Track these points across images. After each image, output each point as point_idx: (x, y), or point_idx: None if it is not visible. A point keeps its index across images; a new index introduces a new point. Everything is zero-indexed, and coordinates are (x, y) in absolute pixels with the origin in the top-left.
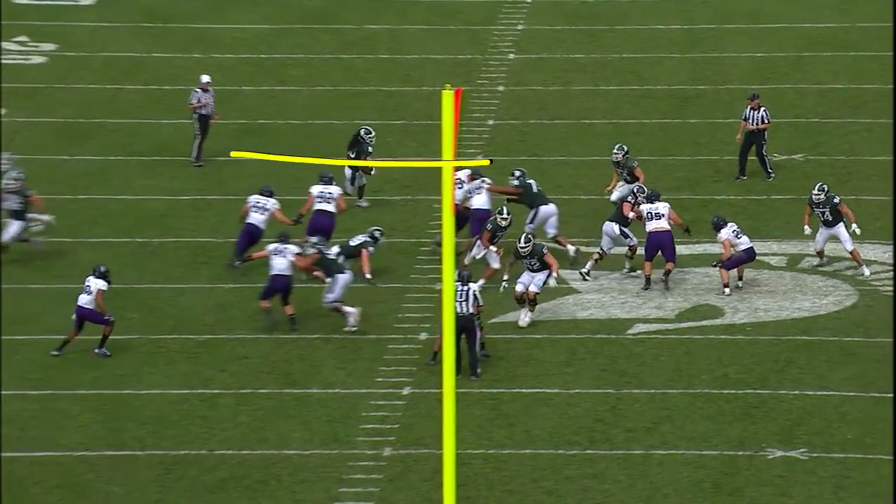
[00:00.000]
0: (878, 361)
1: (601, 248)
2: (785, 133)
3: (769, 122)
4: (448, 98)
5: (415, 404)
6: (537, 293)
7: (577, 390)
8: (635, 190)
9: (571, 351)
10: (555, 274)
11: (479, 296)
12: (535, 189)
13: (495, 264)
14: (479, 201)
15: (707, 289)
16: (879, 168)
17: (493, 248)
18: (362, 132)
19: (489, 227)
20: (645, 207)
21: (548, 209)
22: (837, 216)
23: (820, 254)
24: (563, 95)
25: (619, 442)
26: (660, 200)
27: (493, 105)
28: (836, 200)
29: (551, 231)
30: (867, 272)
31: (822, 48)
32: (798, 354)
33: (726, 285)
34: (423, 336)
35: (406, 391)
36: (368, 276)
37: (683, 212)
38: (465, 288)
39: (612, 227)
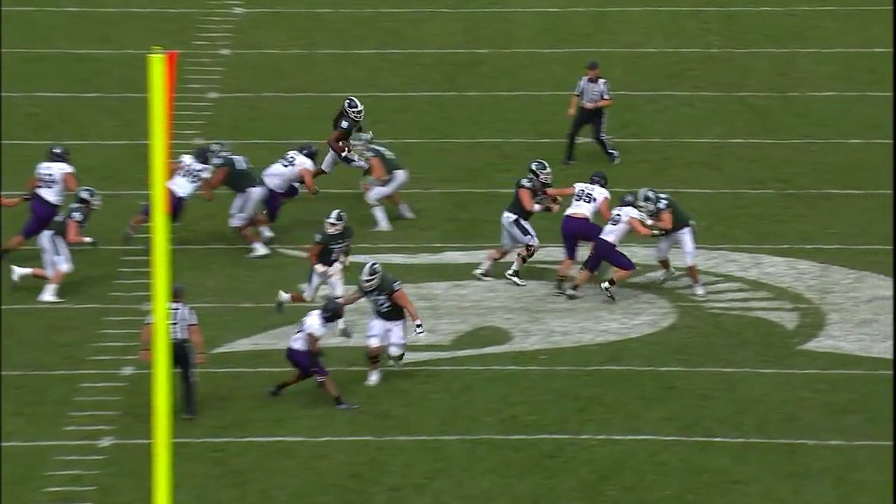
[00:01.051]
0: (703, 397)
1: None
2: None
3: (610, 99)
4: (157, 64)
5: (116, 459)
6: (400, 356)
7: (327, 438)
8: (534, 167)
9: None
10: (418, 322)
11: (190, 316)
12: (241, 166)
13: (308, 291)
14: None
15: (490, 307)
16: (702, 153)
17: (320, 267)
18: (346, 105)
19: (318, 238)
20: (580, 186)
21: (259, 192)
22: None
23: (664, 264)
24: (306, 61)
25: (382, 503)
26: (603, 186)
27: (216, 73)
28: (662, 205)
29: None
30: (701, 291)
31: (629, 2)
32: (604, 389)
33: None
34: (127, 371)
35: (105, 442)
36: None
37: (460, 210)
38: (176, 307)
39: (508, 218)
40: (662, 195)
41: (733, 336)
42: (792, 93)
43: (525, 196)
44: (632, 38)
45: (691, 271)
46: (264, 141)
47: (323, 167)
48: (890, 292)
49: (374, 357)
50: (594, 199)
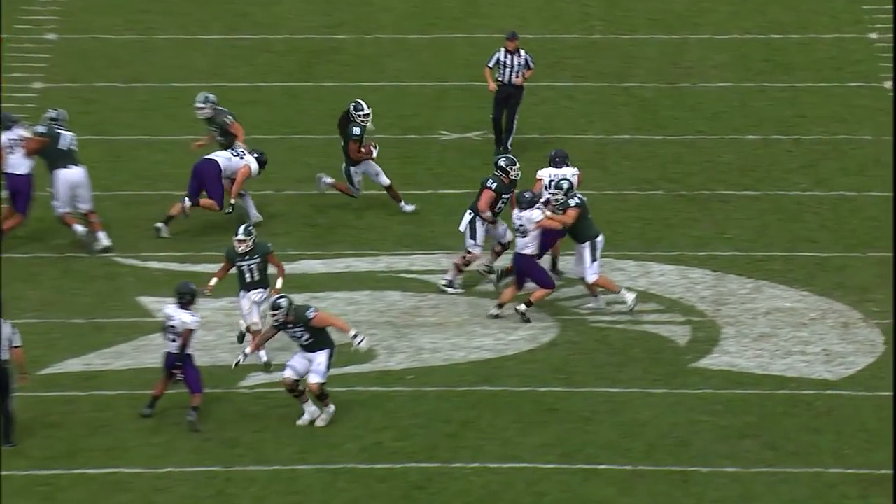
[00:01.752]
0: (587, 420)
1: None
2: (456, 101)
3: (532, 68)
4: None
5: None
6: (322, 384)
7: (169, 468)
8: (502, 163)
9: (161, 413)
10: (352, 333)
11: (14, 335)
12: (65, 143)
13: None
14: (18, 164)
15: (351, 321)
16: (584, 150)
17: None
18: (352, 108)
19: (226, 254)
20: (548, 174)
21: (71, 175)
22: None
23: (591, 289)
24: (143, 47)
25: None
26: (568, 165)
27: (41, 61)
28: (573, 202)
29: (84, 206)
30: (593, 305)
31: None
32: (478, 412)
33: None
34: None
35: None
36: None
37: (318, 213)
38: None
39: (469, 215)
40: (580, 194)
41: (620, 353)
42: (682, 84)
43: (485, 198)
44: (506, 23)
45: (590, 287)
46: (96, 137)
47: (321, 186)
48: (789, 304)
49: (292, 390)
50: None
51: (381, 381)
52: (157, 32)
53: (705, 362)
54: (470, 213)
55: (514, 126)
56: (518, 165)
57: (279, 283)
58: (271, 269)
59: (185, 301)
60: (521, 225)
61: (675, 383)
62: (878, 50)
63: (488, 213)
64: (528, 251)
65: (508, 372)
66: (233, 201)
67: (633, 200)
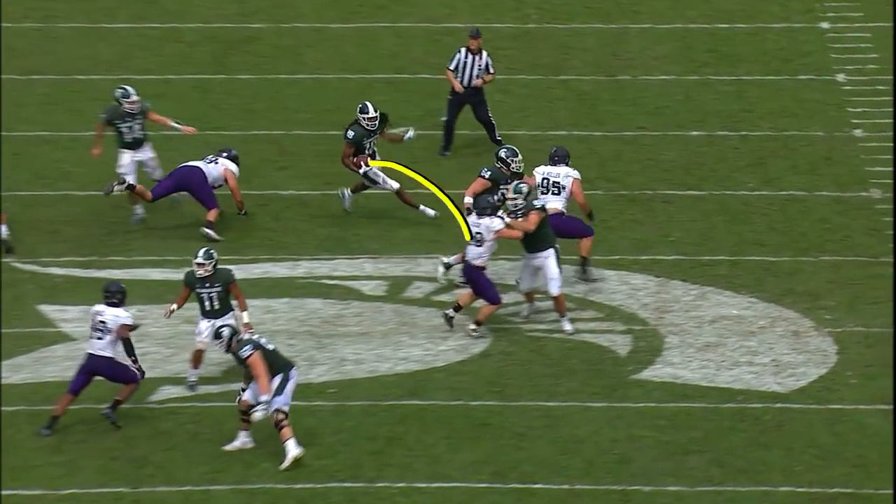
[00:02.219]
0: (522, 436)
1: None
2: (381, 95)
3: (493, 73)
4: None
5: None
6: (282, 413)
7: (73, 490)
8: (503, 154)
9: (63, 429)
10: (257, 411)
11: None
12: None
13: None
14: None
15: (268, 331)
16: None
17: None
18: (358, 110)
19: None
20: (542, 172)
21: None
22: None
23: (529, 297)
24: (44, 37)
25: None
26: (567, 164)
27: None
28: (537, 205)
29: None
30: (569, 328)
31: None
32: (405, 428)
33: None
34: None
35: None
36: None
37: (232, 215)
38: None
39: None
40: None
41: (556, 364)
42: (622, 76)
43: (474, 185)
44: (435, 12)
45: (557, 302)
46: None
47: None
48: (736, 311)
49: (244, 412)
50: (563, 187)
51: (301, 395)
52: (58, 20)
53: (647, 374)
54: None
55: (492, 119)
56: (520, 157)
57: (245, 316)
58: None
59: (115, 301)
60: (478, 232)
61: (615, 396)
62: (830, 41)
63: (469, 199)
64: (479, 262)
65: (437, 385)
66: (243, 211)
67: (571, 201)
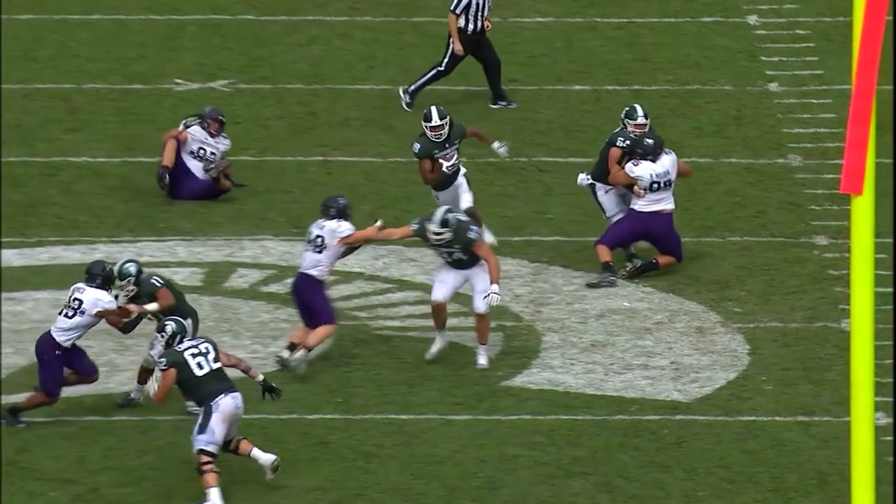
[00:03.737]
0: (369, 456)
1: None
2: (195, 41)
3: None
4: None
5: None
6: (199, 450)
7: None
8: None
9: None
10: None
11: None
12: None
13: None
14: None
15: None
16: (367, 103)
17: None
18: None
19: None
20: (646, 171)
21: None
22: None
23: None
24: None
25: None
26: (666, 152)
27: None
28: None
29: None
30: (483, 361)
31: None
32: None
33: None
34: None
35: None
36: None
37: (15, 188)
38: None
39: (584, 181)
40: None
41: (411, 369)
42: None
43: (614, 157)
44: None
45: (479, 324)
46: None
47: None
48: (628, 304)
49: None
50: (671, 182)
51: (97, 410)
52: None
53: (521, 380)
54: (588, 180)
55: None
56: (642, 113)
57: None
58: None
59: (97, 284)
60: (317, 236)
61: (482, 408)
62: None
63: (627, 173)
64: (315, 272)
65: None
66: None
67: None
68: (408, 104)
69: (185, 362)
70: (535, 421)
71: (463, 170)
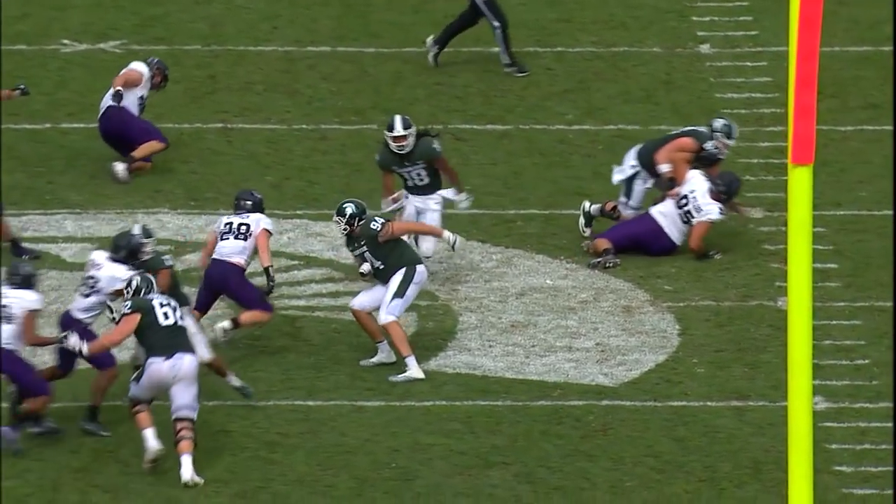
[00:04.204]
0: (273, 446)
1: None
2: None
3: None
4: None
5: None
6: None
7: None
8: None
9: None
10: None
11: None
12: None
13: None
14: None
15: None
16: (268, 67)
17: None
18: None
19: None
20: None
21: None
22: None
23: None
24: None
25: None
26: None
27: None
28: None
29: None
30: (383, 359)
31: None
32: (117, 437)
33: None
34: None
35: None
36: None
37: None
38: None
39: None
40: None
41: (319, 352)
42: None
43: (686, 147)
44: None
45: (387, 334)
46: None
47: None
48: (550, 281)
49: None
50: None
51: None
52: None
53: (437, 363)
54: (626, 172)
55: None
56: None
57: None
58: None
59: (120, 258)
60: (243, 225)
61: (395, 393)
62: None
63: (664, 167)
64: (239, 259)
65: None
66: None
67: (336, 138)
68: (511, 65)
69: (152, 308)
70: (451, 407)
71: (437, 199)
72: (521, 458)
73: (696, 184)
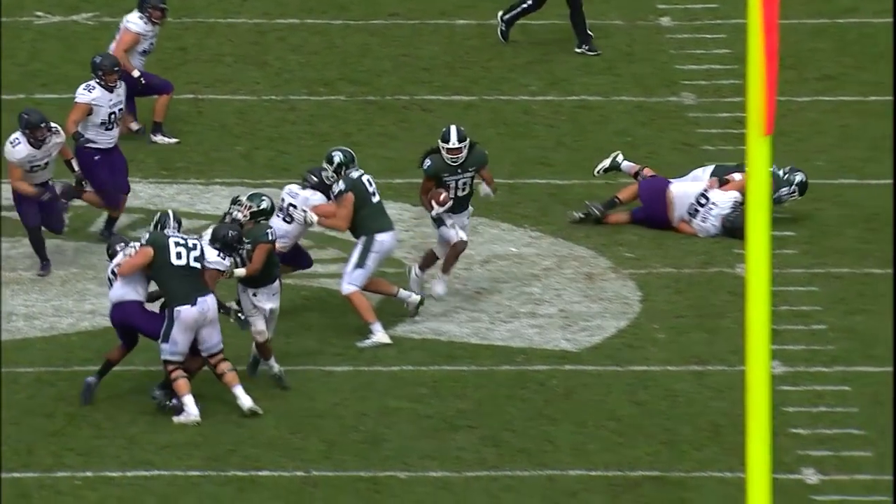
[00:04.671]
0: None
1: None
2: None
3: None
4: None
5: None
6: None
7: None
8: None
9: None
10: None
11: None
12: None
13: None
14: None
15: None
16: (238, 39)
17: None
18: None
19: None
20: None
21: None
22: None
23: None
24: None
25: None
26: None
27: None
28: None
29: None
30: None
31: None
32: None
33: None
34: None
35: None
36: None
37: None
38: None
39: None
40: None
41: (288, 317)
42: None
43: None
44: None
45: (350, 304)
46: None
47: None
48: (515, 249)
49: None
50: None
51: None
52: None
53: (403, 329)
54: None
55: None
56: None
57: None
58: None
59: (216, 247)
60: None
61: (362, 358)
62: None
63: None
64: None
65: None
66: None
67: (305, 109)
68: (503, 32)
69: (166, 245)
70: (417, 372)
71: (468, 213)
72: (486, 421)
73: (724, 201)
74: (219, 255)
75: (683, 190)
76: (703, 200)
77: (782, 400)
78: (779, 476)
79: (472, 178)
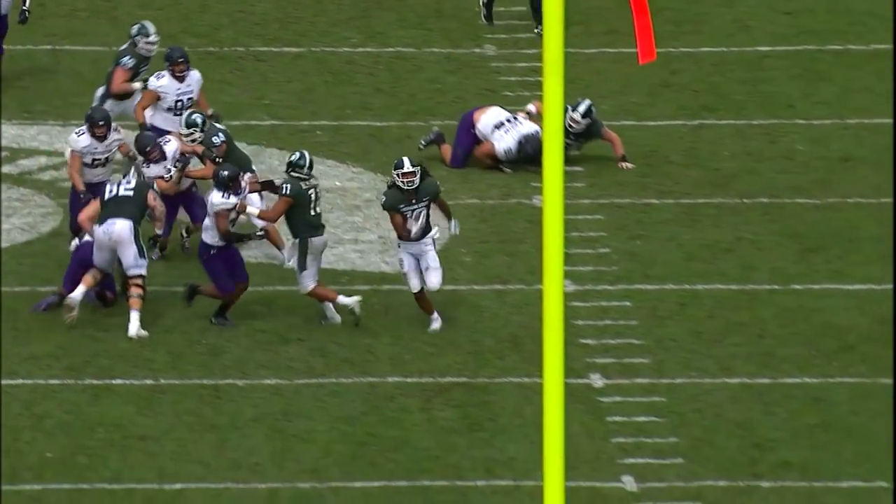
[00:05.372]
0: (95, 325)
1: None
2: None
3: None
4: None
5: None
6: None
7: None
8: None
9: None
10: None
11: None
12: None
13: None
14: None
15: None
16: None
17: None
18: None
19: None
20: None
21: None
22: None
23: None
24: None
25: None
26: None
27: None
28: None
29: None
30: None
31: None
32: None
33: None
34: None
35: None
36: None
37: None
38: None
39: None
40: (220, 127)
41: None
42: None
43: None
44: None
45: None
46: None
47: None
48: (339, 182)
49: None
50: None
51: None
52: None
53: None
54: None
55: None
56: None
57: None
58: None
59: (217, 187)
60: None
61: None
62: None
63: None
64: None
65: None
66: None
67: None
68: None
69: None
70: (254, 292)
71: (434, 232)
72: (314, 335)
73: (529, 126)
74: (222, 196)
75: (492, 111)
76: (511, 119)
77: (573, 315)
78: (570, 381)
79: (428, 207)
